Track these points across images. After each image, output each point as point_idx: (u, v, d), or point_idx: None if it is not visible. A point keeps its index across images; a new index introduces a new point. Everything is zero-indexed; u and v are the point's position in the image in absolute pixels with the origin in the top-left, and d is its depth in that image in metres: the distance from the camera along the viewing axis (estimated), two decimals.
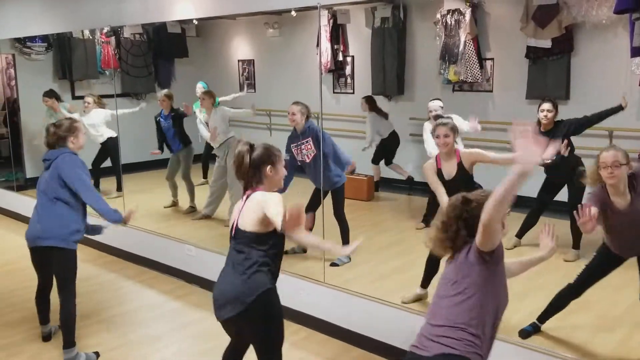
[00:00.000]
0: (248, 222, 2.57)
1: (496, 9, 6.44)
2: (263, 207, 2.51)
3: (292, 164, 4.76)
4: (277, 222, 2.42)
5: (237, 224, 2.63)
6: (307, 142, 4.76)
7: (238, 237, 2.61)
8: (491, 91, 6.55)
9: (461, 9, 6.35)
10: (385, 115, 7.00)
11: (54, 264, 3.64)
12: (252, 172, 2.63)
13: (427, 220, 5.56)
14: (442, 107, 5.45)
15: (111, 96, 6.49)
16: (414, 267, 4.35)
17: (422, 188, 6.63)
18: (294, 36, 7.91)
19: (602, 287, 4.23)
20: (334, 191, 4.87)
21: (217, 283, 2.66)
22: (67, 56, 7.93)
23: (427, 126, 5.34)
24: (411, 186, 7.07)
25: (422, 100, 7.11)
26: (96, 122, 6.92)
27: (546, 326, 3.53)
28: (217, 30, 8.65)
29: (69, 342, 3.63)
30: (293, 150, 4.81)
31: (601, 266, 3.38)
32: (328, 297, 3.96)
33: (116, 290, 4.88)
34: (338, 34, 7.52)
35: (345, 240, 4.74)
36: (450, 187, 3.53)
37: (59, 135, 3.68)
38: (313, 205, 4.76)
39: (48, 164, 3.70)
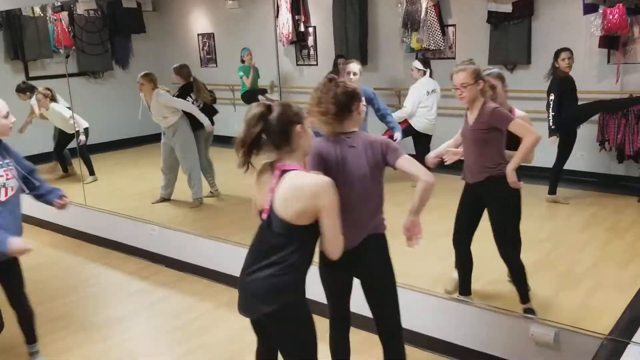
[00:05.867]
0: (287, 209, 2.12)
1: None
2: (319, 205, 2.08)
3: None
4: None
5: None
6: None
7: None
8: (454, 58, 6.52)
9: None
10: None
11: None
12: (279, 138, 2.12)
13: None
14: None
15: (63, 76, 6.25)
16: None
17: None
18: (254, 8, 7.72)
19: (564, 245, 4.30)
20: None
21: None
22: (18, 35, 7.61)
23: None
24: None
25: (386, 69, 7.07)
26: (65, 115, 6.42)
27: (509, 287, 3.48)
28: (175, 4, 8.39)
29: None
30: None
31: (464, 206, 3.31)
32: None
33: (79, 274, 4.77)
34: (299, 4, 7.38)
35: None
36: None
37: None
38: None
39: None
